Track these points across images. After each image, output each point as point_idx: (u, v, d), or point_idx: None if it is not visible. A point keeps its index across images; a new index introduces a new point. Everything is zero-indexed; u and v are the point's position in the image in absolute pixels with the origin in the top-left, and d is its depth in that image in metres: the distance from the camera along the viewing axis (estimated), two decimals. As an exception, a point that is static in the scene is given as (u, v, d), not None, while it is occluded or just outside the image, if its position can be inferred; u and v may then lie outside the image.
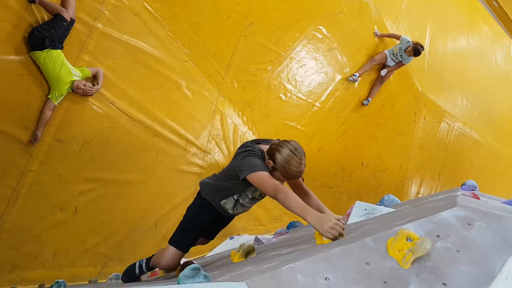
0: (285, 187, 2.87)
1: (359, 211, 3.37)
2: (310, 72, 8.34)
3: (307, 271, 1.65)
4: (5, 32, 5.34)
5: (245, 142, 3.42)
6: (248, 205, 3.56)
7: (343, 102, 8.73)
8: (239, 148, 3.35)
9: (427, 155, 10.06)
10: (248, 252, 2.95)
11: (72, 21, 5.69)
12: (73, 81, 5.71)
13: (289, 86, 8.06)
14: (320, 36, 8.32)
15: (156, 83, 6.54)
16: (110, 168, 6.10)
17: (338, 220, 2.37)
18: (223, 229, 4.03)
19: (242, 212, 3.63)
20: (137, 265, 3.99)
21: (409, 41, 8.66)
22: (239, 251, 2.97)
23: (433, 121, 10.04)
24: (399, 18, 9.38)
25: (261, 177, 3.01)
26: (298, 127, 8.14)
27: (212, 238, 4.05)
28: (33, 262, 5.57)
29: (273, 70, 7.85)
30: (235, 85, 7.46)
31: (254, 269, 1.93)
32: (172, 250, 3.50)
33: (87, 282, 5.68)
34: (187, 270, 1.93)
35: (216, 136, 7.15)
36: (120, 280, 4.57)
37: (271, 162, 3.10)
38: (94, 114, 6.02)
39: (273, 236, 5.23)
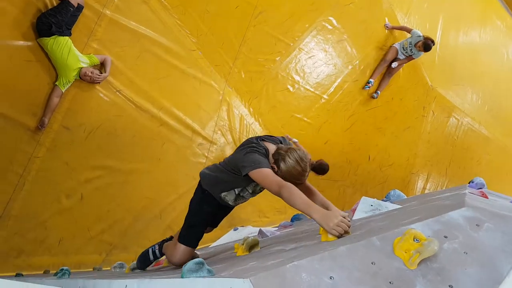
0: (289, 184, 2.82)
1: (365, 207, 3.35)
2: (319, 63, 8.29)
3: (311, 269, 1.63)
4: (13, 17, 5.34)
5: (249, 138, 3.41)
6: (249, 197, 3.57)
7: (351, 94, 8.68)
8: (243, 143, 3.34)
9: (435, 150, 10.00)
10: (252, 245, 2.94)
11: (81, 7, 5.66)
12: (81, 68, 5.70)
13: (297, 78, 8.02)
14: (329, 27, 8.25)
15: (163, 72, 6.52)
16: (116, 157, 6.10)
17: (344, 217, 2.34)
18: (227, 217, 4.04)
19: (240, 204, 3.66)
20: (150, 251, 4.02)
21: (420, 36, 8.57)
22: (243, 244, 2.97)
23: (442, 116, 9.97)
24: (411, 10, 9.29)
25: (264, 174, 2.98)
26: (305, 119, 8.11)
27: (216, 226, 4.06)
28: (39, 248, 5.60)
29: (281, 61, 7.81)
30: (243, 76, 7.43)
31: (258, 265, 1.92)
32: (182, 247, 3.52)
33: (92, 270, 5.70)
34: (191, 264, 1.92)
35: (223, 126, 7.14)
36: (124, 269, 4.60)
37: (275, 167, 3.09)
38: (101, 102, 6.02)
39: (277, 228, 5.22)
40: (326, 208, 2.79)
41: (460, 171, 10.26)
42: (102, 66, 5.98)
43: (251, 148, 3.18)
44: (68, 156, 5.77)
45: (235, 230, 6.25)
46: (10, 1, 5.28)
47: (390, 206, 3.32)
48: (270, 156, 3.16)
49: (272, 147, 3.23)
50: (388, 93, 9.08)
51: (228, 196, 3.48)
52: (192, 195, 3.74)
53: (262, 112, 7.67)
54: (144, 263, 4.02)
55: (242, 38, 7.34)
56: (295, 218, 5.97)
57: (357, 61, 8.67)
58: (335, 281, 1.61)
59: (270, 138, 3.40)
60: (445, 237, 1.83)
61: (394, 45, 8.85)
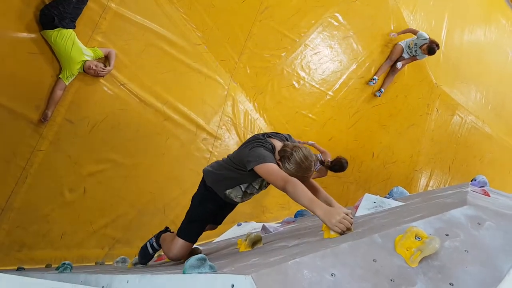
0: (294, 179, 2.83)
1: (368, 204, 3.35)
2: (324, 60, 8.27)
3: (313, 266, 1.64)
4: (16, 9, 5.34)
5: (255, 134, 3.41)
6: (255, 193, 3.55)
7: (356, 91, 8.66)
8: (248, 139, 3.33)
9: (438, 148, 9.98)
10: (255, 241, 2.94)
11: (85, 0, 5.65)
12: (85, 61, 5.70)
13: (302, 74, 8.00)
14: (335, 23, 8.23)
15: (168, 66, 6.52)
16: (120, 151, 6.11)
17: (347, 214, 2.34)
18: (230, 214, 4.03)
19: (243, 202, 3.64)
20: (148, 245, 4.02)
21: (426, 38, 8.54)
22: (246, 240, 2.97)
23: (446, 114, 9.94)
24: (417, 7, 9.25)
25: (269, 169, 2.99)
26: (310, 115, 8.10)
27: (220, 223, 4.05)
28: (41, 241, 5.62)
29: (287, 56, 7.80)
30: (248, 71, 7.42)
31: (260, 262, 1.92)
32: (180, 242, 3.50)
33: (94, 264, 5.72)
34: (193, 260, 1.92)
35: (227, 121, 7.14)
36: (126, 264, 4.61)
37: (280, 164, 3.10)
38: (105, 95, 6.02)
39: (280, 224, 5.22)
40: (329, 205, 2.79)
41: (463, 169, 10.24)
42: (106, 59, 5.98)
43: (257, 143, 3.19)
44: (71, 150, 5.78)
45: (238, 225, 6.26)
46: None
47: (393, 203, 3.32)
48: (276, 153, 3.15)
49: (278, 144, 3.23)
50: (392, 90, 9.06)
51: (233, 193, 3.46)
52: (196, 191, 3.75)
53: (267, 107, 7.67)
54: (145, 258, 4.03)
55: (248, 33, 7.33)
56: (298, 214, 5.97)
57: (363, 58, 8.65)
58: (337, 278, 1.61)
59: (276, 135, 3.40)
60: (447, 235, 1.83)
61: (399, 43, 8.82)
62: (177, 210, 6.36)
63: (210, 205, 3.58)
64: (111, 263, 5.53)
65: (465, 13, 10.25)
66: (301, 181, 2.87)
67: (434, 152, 9.93)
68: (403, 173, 9.48)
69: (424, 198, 3.48)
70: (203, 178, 3.68)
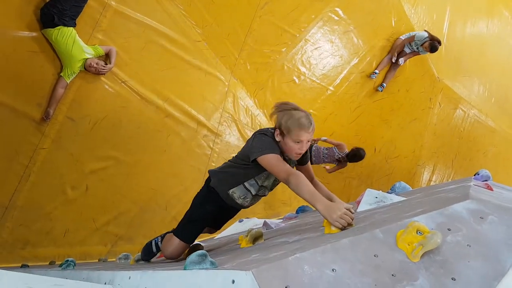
0: (298, 172, 2.83)
1: (370, 199, 3.33)
2: (325, 54, 8.26)
3: (314, 261, 1.63)
4: (17, 7, 5.35)
5: (260, 129, 3.39)
6: (258, 195, 3.46)
7: (357, 86, 8.65)
8: (254, 132, 3.32)
9: (441, 142, 9.96)
10: (256, 237, 2.93)
11: (85, -3, 5.66)
12: (86, 59, 5.70)
13: (303, 69, 7.99)
14: (336, 18, 8.21)
15: (168, 63, 6.52)
16: (121, 148, 6.12)
17: (348, 209, 2.33)
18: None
19: (249, 205, 3.53)
20: (153, 243, 4.00)
21: (426, 37, 8.51)
22: (247, 236, 2.96)
23: (448, 108, 9.92)
24: (418, 0, 9.22)
25: (272, 159, 2.96)
26: (311, 111, 8.07)
27: (218, 229, 4.03)
28: (44, 239, 5.63)
29: (287, 52, 7.79)
30: (248, 67, 7.42)
31: (261, 257, 1.91)
32: (176, 241, 3.48)
33: (97, 261, 5.73)
34: (193, 256, 1.92)
35: (228, 118, 7.13)
36: (129, 260, 4.61)
37: (278, 130, 3.06)
38: (106, 93, 6.02)
39: (282, 220, 5.22)
40: (330, 200, 2.78)
41: (466, 163, 10.22)
42: (107, 57, 5.98)
43: (261, 133, 3.17)
44: (73, 147, 5.79)
45: (240, 221, 6.25)
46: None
47: (395, 198, 3.30)
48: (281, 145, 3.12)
49: None
50: (394, 84, 9.05)
51: (236, 193, 3.39)
52: (196, 193, 3.73)
53: (267, 103, 7.66)
54: (148, 255, 4.02)
55: (248, 29, 7.32)
56: (300, 210, 5.96)
57: (364, 53, 8.63)
58: (338, 273, 1.61)
59: None
60: (449, 229, 1.82)
61: (401, 37, 8.80)
62: (178, 206, 6.37)
63: (211, 206, 3.54)
64: (114, 260, 5.54)
65: (467, 6, 10.21)
66: (302, 129, 2.93)
67: (436, 146, 9.92)
68: (406, 168, 9.47)
69: (427, 192, 3.47)
70: (206, 179, 3.66)
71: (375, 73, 8.66)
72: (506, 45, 11.05)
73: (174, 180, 6.57)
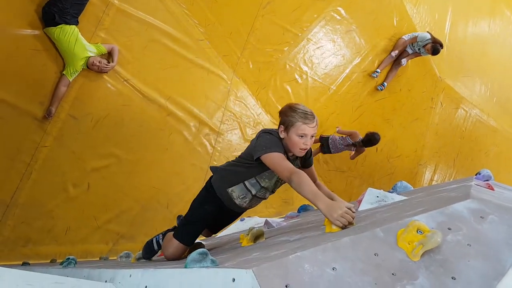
0: (300, 171, 2.84)
1: (371, 198, 3.33)
2: (327, 54, 8.26)
3: (314, 260, 1.63)
4: (19, 6, 5.36)
5: (265, 128, 3.41)
6: (258, 197, 3.44)
7: (359, 85, 8.65)
8: (258, 132, 3.33)
9: (443, 142, 9.95)
10: (257, 236, 2.93)
11: (86, -5, 5.67)
12: (88, 57, 5.71)
13: (305, 68, 7.99)
14: (338, 17, 8.20)
15: (171, 62, 6.53)
16: (123, 146, 6.13)
17: (349, 208, 2.34)
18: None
19: (248, 206, 3.52)
20: (154, 241, 4.01)
21: (428, 38, 8.52)
22: (248, 234, 2.96)
23: (450, 107, 9.91)
24: (420, 0, 9.20)
25: (276, 157, 2.97)
26: (313, 110, 8.06)
27: (215, 232, 4.03)
28: (46, 237, 5.65)
29: (289, 51, 7.79)
30: (251, 66, 7.42)
31: (262, 256, 1.92)
32: (176, 243, 3.47)
33: (98, 259, 5.73)
34: (194, 254, 1.93)
35: (230, 117, 7.14)
36: (130, 258, 4.62)
37: (282, 126, 3.09)
38: (108, 91, 6.04)
39: (283, 219, 5.22)
40: (332, 199, 2.79)
41: (468, 163, 10.21)
42: (109, 55, 5.98)
43: (266, 132, 3.19)
44: (75, 146, 5.80)
45: (241, 220, 6.25)
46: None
47: (396, 198, 3.30)
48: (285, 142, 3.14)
49: None
50: (396, 84, 9.04)
51: (236, 192, 3.38)
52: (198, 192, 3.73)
53: (269, 102, 7.66)
54: (149, 253, 4.03)
55: (250, 28, 7.32)
56: (302, 209, 5.96)
57: (366, 52, 8.63)
58: (338, 272, 1.61)
59: None
60: (449, 229, 1.82)
61: (403, 37, 8.79)
62: (180, 205, 6.37)
63: (210, 207, 3.53)
64: (115, 258, 5.55)
65: (469, 6, 10.19)
66: (305, 122, 2.97)
67: (438, 146, 9.91)
68: (407, 167, 9.46)
69: (428, 192, 3.47)
70: (206, 182, 3.67)
71: (377, 72, 8.66)
72: (508, 44, 11.03)
73: (175, 179, 6.58)
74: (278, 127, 3.14)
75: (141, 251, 4.17)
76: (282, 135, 3.10)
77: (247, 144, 3.44)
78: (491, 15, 10.64)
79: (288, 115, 3.05)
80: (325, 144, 8.11)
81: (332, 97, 8.35)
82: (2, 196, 5.39)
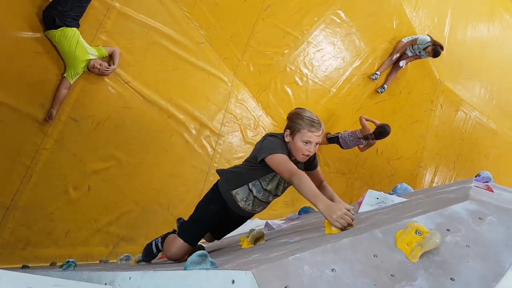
0: (301, 172, 2.88)
1: (371, 200, 3.33)
2: (327, 56, 8.27)
3: (313, 262, 1.64)
4: (21, 8, 5.37)
5: (270, 132, 3.44)
6: (261, 200, 3.45)
7: (359, 88, 8.66)
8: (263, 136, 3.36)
9: (443, 144, 9.96)
10: (257, 238, 2.94)
11: (88, -1, 5.69)
12: (89, 60, 5.72)
13: (305, 71, 8.00)
14: (338, 20, 8.22)
15: (172, 65, 6.54)
16: (124, 148, 6.13)
17: (348, 210, 2.35)
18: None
19: (251, 211, 3.53)
20: (153, 244, 4.02)
21: (428, 41, 8.54)
22: (248, 237, 2.97)
23: (450, 110, 9.92)
24: (419, 4, 9.23)
25: (279, 159, 3.01)
26: (313, 112, 8.08)
27: (219, 238, 4.04)
28: (46, 240, 5.64)
29: (289, 54, 7.80)
30: (251, 68, 7.43)
31: (262, 258, 1.92)
32: (180, 242, 3.48)
33: (98, 262, 5.73)
34: (194, 256, 1.93)
35: (230, 119, 7.15)
36: (130, 261, 4.62)
37: (288, 130, 3.14)
38: (109, 93, 6.05)
39: (284, 221, 5.22)
40: (332, 201, 2.80)
41: (468, 165, 10.22)
42: (110, 58, 5.99)
43: (271, 135, 3.23)
44: (75, 148, 5.81)
45: (242, 222, 6.25)
46: (19, -7, 5.32)
47: (396, 199, 3.30)
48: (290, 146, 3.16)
49: None
50: (396, 86, 9.05)
51: (240, 195, 3.41)
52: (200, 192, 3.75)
53: (270, 105, 7.67)
54: (149, 256, 4.03)
55: (251, 31, 7.33)
56: (302, 211, 5.96)
57: (366, 55, 8.64)
58: (337, 273, 1.62)
59: None
60: (448, 230, 1.83)
61: (402, 40, 8.81)
62: (180, 207, 6.39)
63: (215, 206, 3.55)
64: (115, 261, 5.55)
65: (468, 9, 10.22)
66: (311, 128, 3.02)
67: (438, 148, 9.92)
68: (408, 169, 9.47)
69: (428, 194, 3.47)
70: (214, 184, 3.69)
71: (377, 74, 8.67)
72: (507, 47, 11.05)
73: (176, 181, 6.58)
74: (284, 131, 3.19)
75: (141, 254, 4.17)
76: (287, 139, 3.15)
77: (248, 146, 3.49)
78: (490, 18, 10.66)
79: (295, 121, 3.10)
80: (336, 143, 8.16)
81: (332, 99, 8.36)
82: (2, 198, 5.39)
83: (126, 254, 4.89)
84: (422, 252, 1.71)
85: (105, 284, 2.51)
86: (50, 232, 5.68)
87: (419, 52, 8.67)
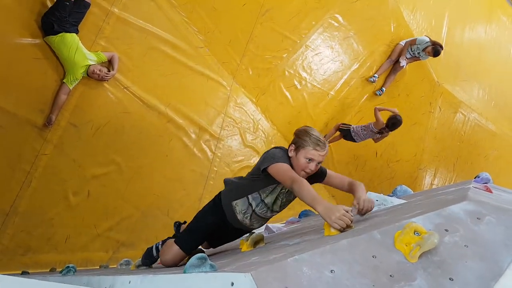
0: (302, 178, 2.92)
1: (370, 202, 3.34)
2: (326, 60, 8.29)
3: (312, 263, 1.64)
4: (20, 15, 5.39)
5: (275, 146, 3.49)
6: (259, 215, 3.45)
7: (357, 91, 8.67)
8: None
9: (442, 146, 9.96)
10: (257, 241, 2.95)
11: (87, 4, 5.70)
12: (89, 65, 5.73)
13: (304, 74, 8.02)
14: (336, 24, 8.24)
15: (171, 69, 6.55)
16: (123, 153, 6.13)
17: (347, 211, 2.36)
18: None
19: (250, 225, 3.51)
20: (154, 247, 4.03)
21: (427, 41, 8.56)
22: (247, 240, 2.97)
23: (448, 112, 9.92)
24: (417, 6, 9.25)
25: (280, 168, 3.06)
26: (312, 115, 8.11)
27: (214, 247, 4.05)
28: (45, 245, 5.63)
29: (288, 57, 7.82)
30: (250, 72, 7.44)
31: (261, 260, 1.93)
32: (175, 248, 3.49)
33: (98, 267, 5.72)
34: (193, 259, 1.93)
35: (230, 123, 7.15)
36: (130, 266, 4.62)
37: (293, 145, 3.18)
38: (108, 99, 6.05)
39: (284, 224, 5.23)
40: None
41: (468, 167, 10.21)
42: (109, 63, 6.00)
43: (275, 148, 3.31)
44: (75, 153, 5.81)
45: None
46: (17, -1, 5.33)
47: (395, 201, 3.31)
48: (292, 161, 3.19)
49: None
50: (394, 89, 9.06)
51: (239, 206, 3.42)
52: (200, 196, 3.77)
53: (269, 108, 7.68)
54: (149, 260, 4.03)
55: (249, 35, 7.35)
56: (303, 214, 5.96)
57: (364, 58, 8.65)
58: (336, 274, 1.62)
59: None
60: (446, 230, 1.83)
61: (400, 43, 8.82)
62: (180, 211, 6.38)
63: (212, 217, 3.56)
64: (115, 266, 5.54)
65: (465, 11, 10.23)
66: (315, 147, 3.07)
67: (438, 150, 9.91)
68: (407, 171, 9.46)
69: (427, 195, 3.48)
70: (217, 194, 3.70)
71: (375, 77, 8.68)
72: (504, 49, 11.07)
73: (176, 185, 6.58)
74: (289, 146, 3.24)
75: (140, 259, 4.17)
76: (291, 153, 3.19)
77: (247, 149, 3.53)
78: (488, 20, 10.68)
79: (302, 137, 3.16)
80: (348, 135, 8.17)
81: (331, 102, 8.37)
82: (2, 204, 5.38)
83: (126, 259, 4.88)
84: (420, 252, 1.72)
85: (105, 288, 2.52)
86: (50, 238, 5.67)
87: (418, 53, 8.67)
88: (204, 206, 3.76)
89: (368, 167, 8.93)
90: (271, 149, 3.31)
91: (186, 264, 1.95)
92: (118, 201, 6.09)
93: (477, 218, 1.89)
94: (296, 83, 7.94)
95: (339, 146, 8.47)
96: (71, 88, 5.67)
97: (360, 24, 8.50)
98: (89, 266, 5.80)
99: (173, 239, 3.66)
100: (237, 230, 3.65)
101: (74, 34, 5.62)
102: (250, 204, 3.40)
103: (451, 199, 2.38)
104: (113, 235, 6.06)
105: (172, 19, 6.53)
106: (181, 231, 4.06)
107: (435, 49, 8.49)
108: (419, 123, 9.52)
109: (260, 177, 3.26)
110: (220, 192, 3.67)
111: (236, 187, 3.50)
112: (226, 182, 3.69)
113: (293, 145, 3.19)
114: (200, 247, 3.84)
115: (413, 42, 8.68)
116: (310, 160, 3.11)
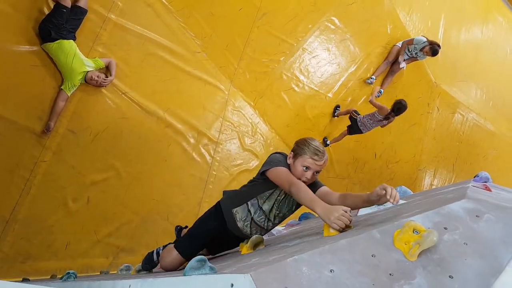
0: (299, 181, 2.97)
1: (369, 203, 3.34)
2: (323, 63, 8.30)
3: (312, 263, 1.64)
4: (17, 22, 5.38)
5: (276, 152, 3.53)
6: (257, 223, 3.44)
7: (355, 92, 8.70)
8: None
9: (441, 146, 9.98)
10: (256, 243, 2.95)
11: (84, 11, 5.70)
12: (86, 72, 5.73)
13: (301, 77, 8.03)
14: (332, 27, 8.26)
15: (168, 74, 6.55)
16: (122, 159, 6.13)
17: (346, 211, 2.36)
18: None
19: (249, 233, 3.48)
20: (154, 252, 4.04)
21: (425, 41, 8.58)
22: (247, 242, 2.98)
23: (447, 112, 9.94)
24: (413, 8, 9.28)
25: (278, 172, 3.12)
26: (310, 118, 8.12)
27: (214, 254, 4.04)
28: (46, 252, 5.62)
29: (285, 61, 7.83)
30: (248, 76, 7.45)
31: (260, 261, 1.93)
32: (175, 253, 3.49)
33: (99, 273, 5.71)
34: (193, 261, 1.94)
35: (228, 127, 7.16)
36: (130, 271, 4.61)
37: (292, 153, 3.22)
38: (106, 105, 6.05)
39: (284, 227, 5.22)
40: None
41: (467, 167, 10.23)
42: (107, 69, 6.01)
43: (275, 153, 3.37)
44: (74, 160, 5.80)
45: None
46: (15, 6, 5.32)
47: (395, 202, 3.31)
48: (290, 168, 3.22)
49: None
50: (392, 90, 9.08)
51: (239, 213, 3.43)
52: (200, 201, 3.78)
53: (267, 112, 7.69)
54: (149, 265, 4.03)
55: (246, 39, 7.36)
56: (303, 217, 5.95)
57: (361, 60, 8.68)
58: (335, 274, 1.62)
59: None
60: (445, 228, 1.83)
61: (397, 44, 8.84)
62: (180, 216, 6.38)
63: (213, 223, 3.56)
64: (116, 272, 5.53)
65: (461, 12, 10.27)
66: (314, 156, 3.10)
67: (437, 151, 9.93)
68: (407, 172, 9.48)
69: (426, 195, 3.48)
70: (218, 201, 3.71)
71: (372, 78, 8.70)
72: (501, 49, 11.11)
73: (175, 190, 6.58)
74: (289, 153, 3.28)
75: (141, 263, 4.17)
76: (289, 161, 3.24)
77: (246, 153, 3.56)
78: (484, 21, 10.72)
79: (301, 146, 3.20)
80: (354, 126, 8.18)
81: (329, 104, 8.38)
82: (1, 212, 5.37)
83: (126, 264, 4.87)
84: (420, 250, 1.72)
85: (105, 292, 2.51)
86: (50, 245, 5.66)
87: (416, 53, 8.69)
88: (205, 213, 3.76)
89: (367, 168, 8.94)
90: (271, 154, 3.36)
91: (186, 267, 1.95)
92: (118, 207, 6.09)
93: (476, 216, 1.89)
94: (293, 86, 7.95)
95: (339, 147, 8.48)
96: (69, 94, 5.67)
97: (356, 26, 8.53)
98: (89, 272, 5.79)
99: (173, 244, 3.66)
100: (237, 238, 3.63)
101: (72, 41, 5.62)
102: (249, 211, 3.41)
103: (450, 198, 2.38)
104: (113, 241, 6.05)
105: (169, 25, 6.54)
106: (182, 235, 4.07)
107: (433, 49, 8.51)
108: (418, 124, 9.54)
109: (259, 181, 3.31)
110: (220, 200, 3.69)
111: (236, 194, 3.53)
112: (225, 192, 3.73)
113: (292, 152, 3.24)
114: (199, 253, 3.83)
115: (410, 42, 8.70)
116: (307, 168, 3.13)
